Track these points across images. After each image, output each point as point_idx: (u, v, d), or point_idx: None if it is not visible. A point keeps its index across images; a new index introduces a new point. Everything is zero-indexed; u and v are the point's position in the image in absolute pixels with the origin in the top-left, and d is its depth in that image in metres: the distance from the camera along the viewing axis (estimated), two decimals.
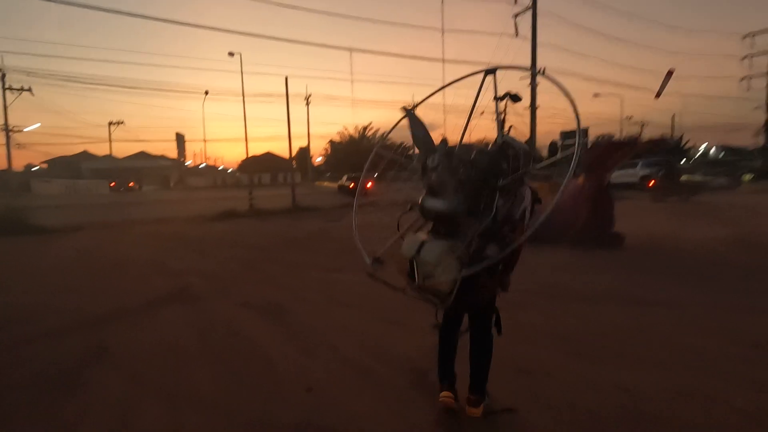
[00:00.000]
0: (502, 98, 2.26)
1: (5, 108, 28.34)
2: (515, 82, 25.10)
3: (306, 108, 43.07)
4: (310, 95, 40.46)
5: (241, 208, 15.44)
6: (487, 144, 2.48)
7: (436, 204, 1.93)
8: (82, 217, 14.61)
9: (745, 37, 29.38)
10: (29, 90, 28.72)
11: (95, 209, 19.56)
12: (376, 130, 55.09)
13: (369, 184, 25.29)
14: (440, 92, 2.64)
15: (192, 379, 2.63)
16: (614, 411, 2.14)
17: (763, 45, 29.07)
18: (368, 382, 2.53)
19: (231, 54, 20.68)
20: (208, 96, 32.41)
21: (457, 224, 1.91)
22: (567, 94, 2.01)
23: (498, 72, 2.28)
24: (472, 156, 1.99)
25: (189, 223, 13.07)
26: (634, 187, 20.24)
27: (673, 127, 39.64)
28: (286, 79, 20.02)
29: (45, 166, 58.88)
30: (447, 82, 2.52)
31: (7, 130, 28.32)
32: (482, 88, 2.29)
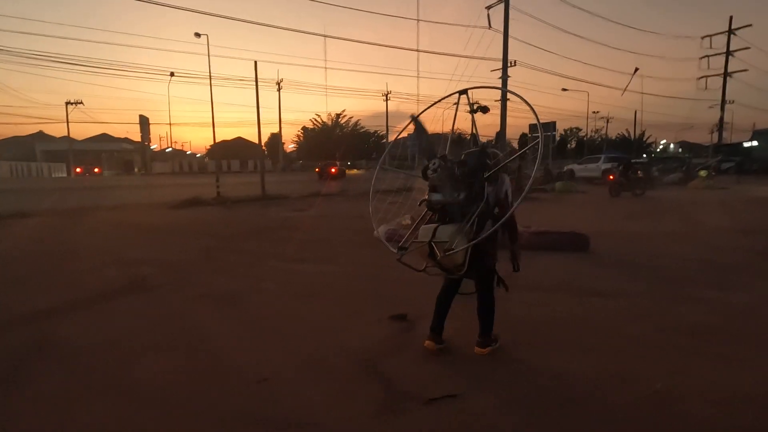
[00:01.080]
0: (474, 111, 2.83)
1: None
2: (487, 74, 25.42)
3: (278, 94, 42.01)
4: (281, 80, 39.43)
5: (207, 196, 15.04)
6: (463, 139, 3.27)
7: (439, 197, 2.55)
8: (32, 203, 13.87)
9: (704, 38, 30.79)
10: None
11: (47, 194, 18.56)
12: (350, 118, 54.84)
13: (333, 169, 25.42)
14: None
15: (139, 373, 2.60)
16: (547, 394, 2.29)
17: (720, 47, 30.57)
18: (321, 372, 2.59)
19: (198, 35, 20.01)
20: (174, 78, 31.25)
21: (459, 211, 2.50)
22: (528, 105, 2.75)
23: (470, 81, 2.77)
24: (462, 157, 2.63)
25: (151, 210, 12.64)
26: (595, 181, 21.17)
27: (635, 122, 41.31)
28: (255, 63, 19.47)
29: None
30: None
31: None
32: (458, 105, 2.91)
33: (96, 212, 11.72)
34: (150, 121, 37.34)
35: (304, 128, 55.42)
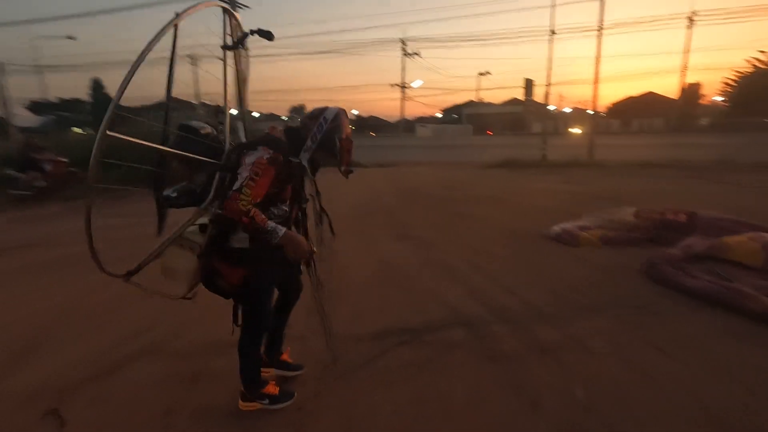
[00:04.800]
0: (239, 43, 1.93)
1: (402, 70, 38.04)
2: None
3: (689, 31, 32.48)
4: (694, 12, 30.07)
5: (529, 158, 14.82)
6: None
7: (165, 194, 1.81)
8: (410, 156, 18.45)
9: None
10: (418, 54, 37.05)
11: (427, 150, 23.94)
12: None
13: None
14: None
15: None
16: None
17: None
18: None
19: None
20: (556, 36, 30.69)
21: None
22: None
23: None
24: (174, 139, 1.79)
25: (453, 168, 13.99)
26: None
27: None
28: None
29: (442, 113, 74.68)
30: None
31: (403, 87, 38.08)
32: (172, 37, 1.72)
33: (416, 167, 14.31)
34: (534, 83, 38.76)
35: (738, 73, 40.39)
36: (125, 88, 1.43)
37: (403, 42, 36.77)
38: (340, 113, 1.83)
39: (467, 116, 65.44)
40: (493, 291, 3.45)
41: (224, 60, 1.99)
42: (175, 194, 1.81)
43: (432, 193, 8.55)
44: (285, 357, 2.35)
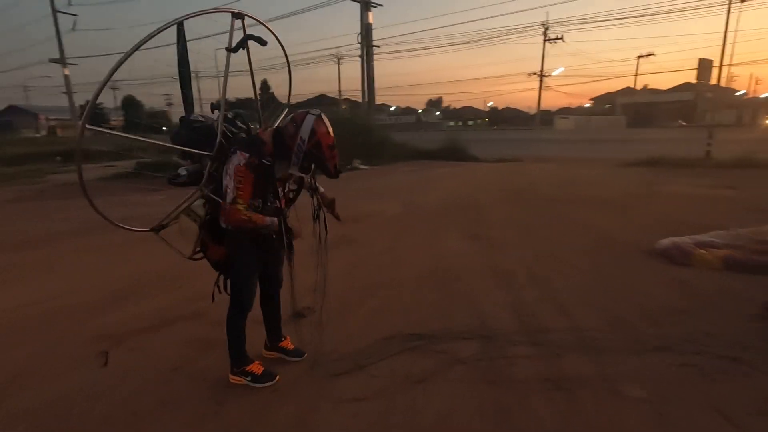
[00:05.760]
0: (239, 46, 2.07)
1: (543, 57, 35.10)
2: None
3: None
4: None
5: (688, 155, 12.36)
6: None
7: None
8: (542, 151, 17.05)
9: None
10: (561, 38, 33.70)
11: (564, 145, 21.69)
12: None
13: None
14: None
15: None
16: None
17: None
18: None
19: None
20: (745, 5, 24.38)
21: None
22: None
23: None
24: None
25: (586, 165, 12.43)
26: None
27: None
28: None
29: (592, 103, 66.83)
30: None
31: (541, 75, 35.19)
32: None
33: (537, 163, 13.20)
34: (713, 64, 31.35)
35: None
36: (108, 80, 1.81)
37: (545, 26, 33.90)
38: (315, 127, 1.85)
39: (623, 105, 57.11)
40: (542, 307, 3.01)
41: (227, 61, 2.14)
42: (185, 173, 2.09)
43: (538, 192, 7.79)
44: (285, 344, 2.45)
